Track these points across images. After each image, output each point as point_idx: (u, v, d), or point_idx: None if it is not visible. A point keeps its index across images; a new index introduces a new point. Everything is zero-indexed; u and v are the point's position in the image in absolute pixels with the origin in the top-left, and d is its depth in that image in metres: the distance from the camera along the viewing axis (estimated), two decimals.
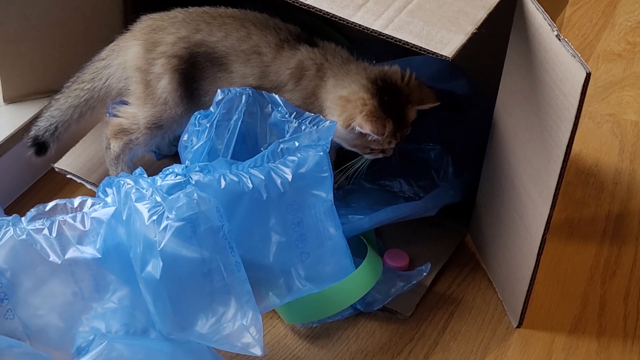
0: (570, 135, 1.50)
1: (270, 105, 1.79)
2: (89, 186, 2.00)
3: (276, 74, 1.82)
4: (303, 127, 1.73)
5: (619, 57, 2.53)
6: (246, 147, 1.79)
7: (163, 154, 2.09)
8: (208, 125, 1.76)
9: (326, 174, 1.66)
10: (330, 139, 1.69)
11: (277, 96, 1.78)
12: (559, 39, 1.49)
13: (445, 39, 1.54)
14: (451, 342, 1.78)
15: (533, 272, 1.69)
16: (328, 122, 1.71)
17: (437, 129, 2.00)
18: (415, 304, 1.83)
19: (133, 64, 1.87)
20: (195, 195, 1.52)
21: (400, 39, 1.55)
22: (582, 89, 1.44)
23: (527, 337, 1.78)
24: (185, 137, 1.80)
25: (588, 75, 1.42)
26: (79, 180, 2.01)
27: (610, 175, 2.15)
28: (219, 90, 1.79)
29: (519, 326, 1.79)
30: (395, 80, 1.76)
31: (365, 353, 1.75)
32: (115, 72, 1.90)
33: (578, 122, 1.48)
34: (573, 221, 2.03)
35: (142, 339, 1.60)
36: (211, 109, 1.78)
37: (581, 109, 1.46)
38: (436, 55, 1.51)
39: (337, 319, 1.80)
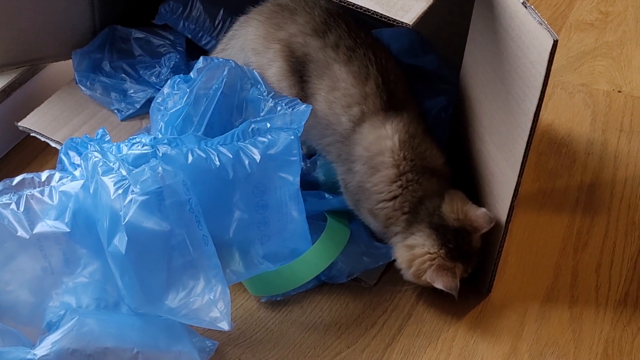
0: (538, 103, 1.49)
1: (250, 81, 1.78)
2: (52, 144, 1.97)
3: (353, 143, 1.75)
4: (279, 108, 1.72)
5: (591, 26, 2.53)
6: (220, 118, 1.78)
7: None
8: (188, 90, 1.75)
9: (295, 158, 1.65)
10: (304, 123, 1.67)
11: (257, 74, 1.77)
12: (525, 7, 1.48)
13: (407, 6, 1.52)
14: (425, 314, 1.78)
15: (501, 239, 1.69)
16: (303, 105, 1.69)
17: None
18: (379, 274, 1.83)
19: (250, 44, 1.85)
20: (160, 168, 1.51)
21: (360, 6, 1.52)
22: (550, 57, 1.43)
23: (500, 308, 1.78)
24: (159, 99, 1.79)
25: (555, 43, 1.41)
26: (42, 139, 1.98)
27: (583, 145, 2.15)
28: (201, 58, 1.78)
29: (487, 293, 1.79)
30: (451, 221, 1.70)
31: (339, 325, 1.75)
32: (237, 42, 1.89)
33: (545, 89, 1.47)
34: (545, 191, 2.03)
35: (113, 314, 1.59)
36: (191, 74, 1.77)
37: (548, 77, 1.45)
38: (397, 23, 1.49)
39: (301, 290, 1.80)
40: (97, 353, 1.47)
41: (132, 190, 1.48)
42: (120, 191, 1.48)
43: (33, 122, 2.01)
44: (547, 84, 1.46)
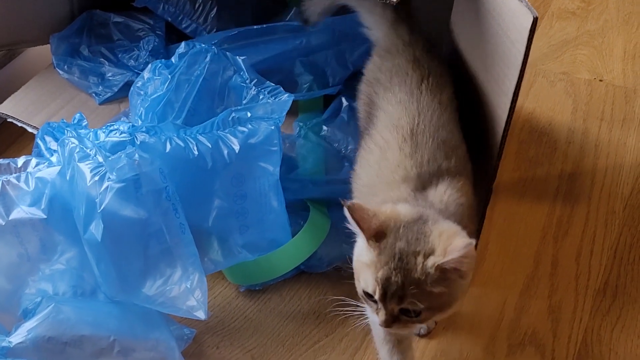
0: (517, 82, 1.47)
1: (232, 68, 1.76)
2: (30, 129, 1.95)
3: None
4: (261, 97, 1.71)
5: (573, 15, 2.53)
6: (202, 105, 1.77)
7: None
8: (170, 76, 1.73)
9: (275, 148, 1.64)
10: (285, 113, 1.66)
11: (240, 60, 1.75)
12: None
13: None
14: None
15: (479, 227, 1.67)
16: (285, 95, 1.68)
17: None
18: None
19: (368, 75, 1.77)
20: (137, 155, 1.49)
21: None
22: (529, 34, 1.41)
23: (480, 297, 1.77)
24: (139, 83, 1.77)
25: (535, 20, 1.39)
26: (19, 124, 1.96)
27: (564, 134, 2.15)
28: (183, 43, 1.77)
29: None
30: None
31: (318, 314, 1.74)
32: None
33: (525, 68, 1.45)
34: (526, 180, 2.02)
35: (90, 301, 1.57)
36: (173, 59, 1.75)
37: (528, 55, 1.44)
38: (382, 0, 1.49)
39: (280, 280, 1.79)
40: (73, 341, 1.46)
41: (109, 177, 1.47)
42: (96, 178, 1.47)
43: (10, 108, 1.99)
44: (526, 62, 1.44)
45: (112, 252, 1.49)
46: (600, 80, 2.30)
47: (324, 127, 1.91)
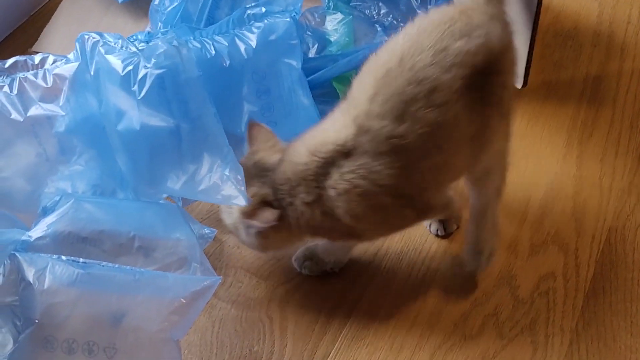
0: None
1: None
2: None
3: None
4: None
5: None
6: (221, 14, 1.75)
7: None
8: None
9: (295, 41, 1.62)
10: (300, 4, 1.63)
11: None
12: None
13: None
14: None
15: None
16: None
17: None
18: None
19: None
20: (176, 42, 1.46)
21: None
22: None
23: (506, 194, 1.74)
24: (156, 1, 1.75)
25: None
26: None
27: (589, 37, 2.10)
28: None
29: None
30: None
31: None
32: None
33: None
34: (550, 83, 1.99)
35: (111, 199, 1.56)
36: None
37: None
38: None
39: None
40: (92, 236, 1.44)
41: (145, 65, 1.44)
42: (130, 67, 1.44)
43: (46, 46, 2.01)
44: None
45: (150, 141, 1.46)
46: None
47: None
